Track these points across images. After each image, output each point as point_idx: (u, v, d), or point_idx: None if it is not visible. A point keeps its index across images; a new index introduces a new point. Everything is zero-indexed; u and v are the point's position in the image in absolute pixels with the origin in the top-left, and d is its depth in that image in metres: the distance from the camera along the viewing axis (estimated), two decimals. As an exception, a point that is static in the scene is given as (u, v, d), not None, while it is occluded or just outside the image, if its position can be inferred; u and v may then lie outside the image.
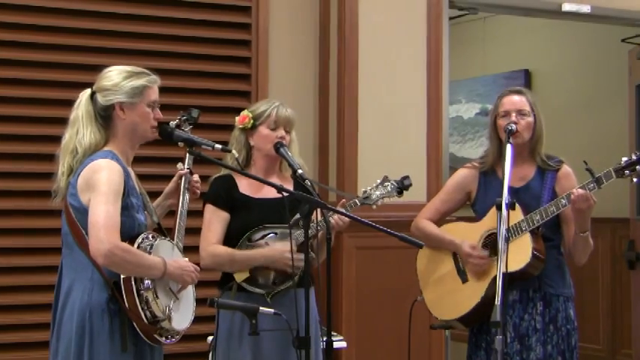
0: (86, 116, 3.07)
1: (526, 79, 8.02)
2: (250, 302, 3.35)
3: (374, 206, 3.63)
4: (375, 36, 5.21)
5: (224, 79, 5.15)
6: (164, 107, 3.21)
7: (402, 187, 3.67)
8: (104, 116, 3.08)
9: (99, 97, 3.08)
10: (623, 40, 7.06)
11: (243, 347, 3.49)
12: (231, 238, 3.57)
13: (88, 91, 3.12)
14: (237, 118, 3.67)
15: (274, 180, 3.59)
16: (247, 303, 3.19)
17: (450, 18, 5.63)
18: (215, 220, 3.58)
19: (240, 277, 3.53)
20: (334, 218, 3.48)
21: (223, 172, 3.66)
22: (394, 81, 5.25)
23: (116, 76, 3.10)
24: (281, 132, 3.60)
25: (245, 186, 3.62)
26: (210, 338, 3.90)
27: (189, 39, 5.06)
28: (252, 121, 3.62)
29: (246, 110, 3.69)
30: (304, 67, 5.31)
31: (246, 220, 3.57)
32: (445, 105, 5.43)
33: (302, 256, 3.17)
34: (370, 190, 3.65)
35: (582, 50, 7.70)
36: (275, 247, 3.52)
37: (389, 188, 3.65)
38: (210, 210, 3.60)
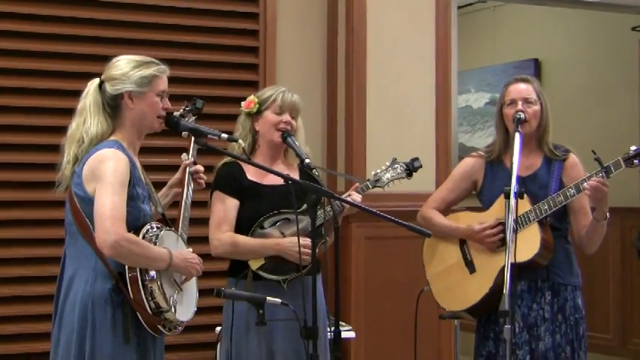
0: (94, 105, 3.05)
1: (536, 69, 7.98)
2: (266, 290, 3.35)
3: (384, 188, 3.63)
4: (383, 25, 5.18)
5: (232, 68, 5.13)
6: (172, 97, 3.19)
7: (412, 168, 3.69)
8: (112, 105, 3.06)
9: (107, 87, 3.06)
10: (633, 29, 7.03)
11: (257, 336, 3.47)
12: (241, 225, 3.54)
13: (97, 80, 3.11)
14: (242, 103, 3.66)
15: (280, 167, 3.59)
16: (254, 293, 3.18)
17: (459, 7, 5.62)
18: (225, 208, 3.55)
19: (255, 264, 3.51)
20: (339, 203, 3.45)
21: (228, 158, 3.64)
22: (403, 71, 5.23)
23: (125, 66, 3.08)
24: (286, 117, 3.59)
25: (252, 172, 3.59)
26: (219, 329, 3.88)
27: (197, 29, 5.05)
28: (257, 106, 3.61)
29: (252, 95, 3.68)
30: (312, 57, 5.29)
31: (257, 207, 3.54)
32: (454, 94, 5.41)
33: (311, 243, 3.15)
34: (380, 172, 3.65)
35: (592, 39, 7.66)
36: (288, 238, 3.50)
37: (399, 170, 3.66)
38: (219, 197, 3.57)
